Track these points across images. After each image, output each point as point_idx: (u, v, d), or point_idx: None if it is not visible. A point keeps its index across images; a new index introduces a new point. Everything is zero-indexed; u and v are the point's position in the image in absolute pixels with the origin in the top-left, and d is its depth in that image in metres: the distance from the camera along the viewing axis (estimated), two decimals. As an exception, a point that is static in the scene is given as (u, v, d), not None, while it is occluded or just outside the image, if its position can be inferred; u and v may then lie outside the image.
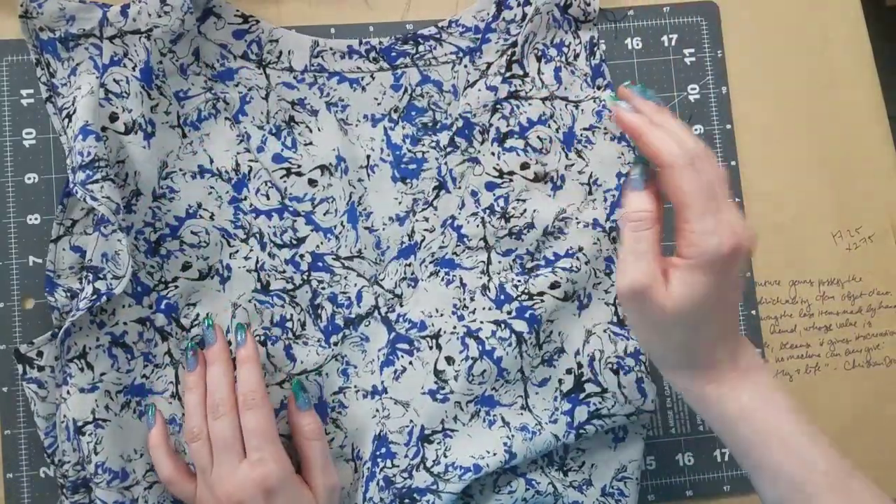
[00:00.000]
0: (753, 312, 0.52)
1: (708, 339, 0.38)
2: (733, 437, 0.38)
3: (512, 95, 0.49)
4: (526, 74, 0.50)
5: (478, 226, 0.48)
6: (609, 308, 0.49)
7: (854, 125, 0.54)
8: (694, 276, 0.36)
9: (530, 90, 0.49)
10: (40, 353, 0.45)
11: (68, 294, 0.46)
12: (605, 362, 0.47)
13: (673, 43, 0.53)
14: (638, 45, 0.53)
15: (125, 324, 0.45)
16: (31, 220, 0.48)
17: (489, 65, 0.50)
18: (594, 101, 0.50)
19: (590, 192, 0.50)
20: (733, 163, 0.53)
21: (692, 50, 0.53)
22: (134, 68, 0.46)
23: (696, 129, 0.53)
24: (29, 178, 0.49)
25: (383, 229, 0.49)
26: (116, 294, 0.43)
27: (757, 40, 0.54)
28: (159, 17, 0.46)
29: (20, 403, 0.47)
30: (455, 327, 0.47)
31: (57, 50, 0.46)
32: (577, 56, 0.51)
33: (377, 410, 0.47)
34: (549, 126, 0.49)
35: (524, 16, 0.50)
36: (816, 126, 0.54)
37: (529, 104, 0.49)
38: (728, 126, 0.53)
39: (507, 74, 0.49)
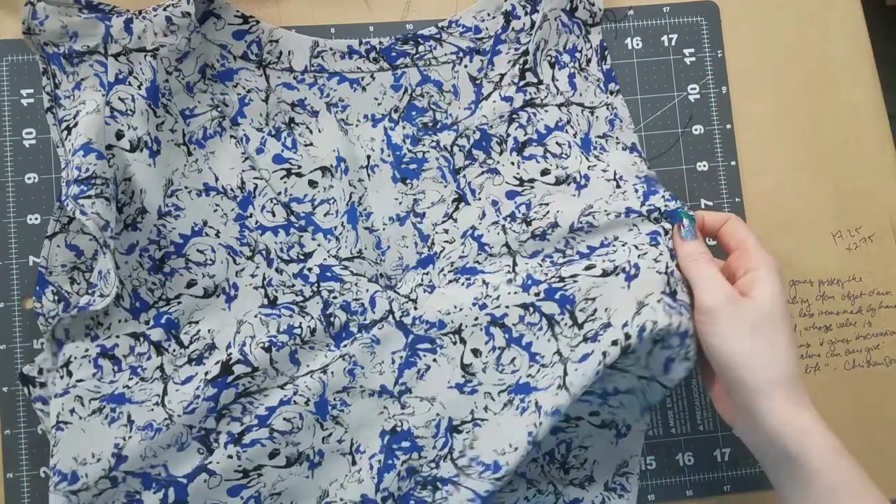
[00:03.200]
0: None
1: (794, 347, 0.42)
2: (796, 470, 0.40)
3: (528, 104, 0.49)
4: (540, 82, 0.50)
5: (498, 233, 0.47)
6: (661, 277, 0.44)
7: (854, 125, 0.54)
8: (772, 276, 0.43)
9: (545, 97, 0.49)
10: (41, 371, 0.45)
11: (56, 297, 0.45)
12: (654, 334, 0.42)
13: (673, 43, 0.53)
14: (638, 45, 0.53)
15: (117, 337, 0.45)
16: (31, 220, 0.48)
17: (502, 76, 0.50)
18: (607, 108, 0.50)
19: (618, 186, 0.48)
20: (733, 163, 0.53)
21: (692, 50, 0.53)
22: (140, 87, 0.46)
23: (696, 129, 0.53)
24: (29, 178, 0.49)
25: (383, 229, 0.49)
26: (92, 311, 0.43)
27: (757, 40, 0.54)
28: (165, 35, 0.46)
29: (20, 403, 0.47)
30: (477, 318, 0.46)
31: (62, 63, 0.46)
32: (589, 61, 0.51)
33: (385, 408, 0.46)
34: (567, 131, 0.49)
35: (532, 24, 0.50)
36: (816, 126, 0.54)
37: (546, 111, 0.49)
38: (728, 126, 0.53)
39: (521, 83, 0.49)
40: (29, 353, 0.47)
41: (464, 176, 0.49)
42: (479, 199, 0.48)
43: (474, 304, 0.46)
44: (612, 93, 0.51)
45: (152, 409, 0.44)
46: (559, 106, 0.49)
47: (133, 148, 0.45)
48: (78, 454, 0.43)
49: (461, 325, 0.46)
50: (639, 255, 0.45)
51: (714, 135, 0.53)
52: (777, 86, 0.54)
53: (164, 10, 0.45)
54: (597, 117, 0.50)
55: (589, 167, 0.49)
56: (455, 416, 0.46)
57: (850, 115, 0.54)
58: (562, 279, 0.46)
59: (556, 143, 0.49)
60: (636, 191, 0.48)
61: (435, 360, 0.47)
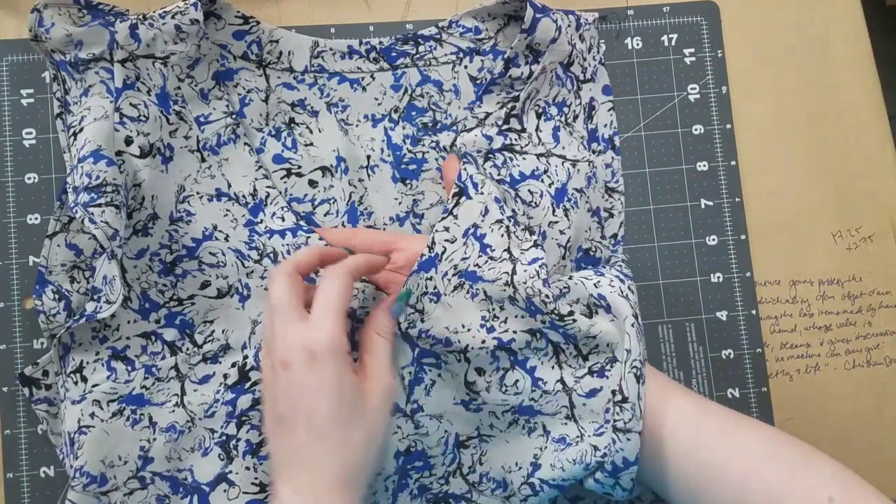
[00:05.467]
0: (753, 312, 0.52)
1: None
2: None
3: (506, 148, 0.48)
4: (523, 130, 0.49)
5: (502, 235, 0.45)
6: (625, 301, 0.44)
7: (854, 125, 0.54)
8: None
9: (526, 145, 0.48)
10: (45, 373, 0.45)
11: (56, 296, 0.45)
12: (629, 366, 0.42)
13: (673, 43, 0.53)
14: (638, 45, 0.53)
15: (128, 338, 0.45)
16: (31, 220, 0.48)
17: (488, 114, 0.49)
18: (588, 165, 0.50)
19: (563, 257, 0.48)
20: (733, 163, 0.53)
21: (692, 50, 0.53)
22: (149, 92, 0.45)
23: (696, 129, 0.53)
24: (29, 178, 0.49)
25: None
26: (99, 318, 0.43)
27: (757, 40, 0.54)
28: (175, 44, 0.46)
29: (20, 403, 0.47)
30: (484, 341, 0.44)
31: (69, 70, 0.46)
32: (576, 118, 0.50)
33: (398, 427, 0.45)
34: (543, 181, 0.48)
35: (530, 73, 0.49)
36: (816, 126, 0.54)
37: (524, 158, 0.48)
38: (728, 126, 0.53)
39: (504, 127, 0.48)
40: (29, 353, 0.47)
41: (465, 169, 0.46)
42: (482, 193, 0.46)
43: (482, 326, 0.44)
44: (594, 152, 0.51)
45: (173, 411, 0.45)
46: (538, 156, 0.48)
47: (144, 154, 0.45)
48: (105, 457, 0.43)
49: (468, 345, 0.44)
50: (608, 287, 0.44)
51: (714, 135, 0.53)
52: (777, 86, 0.54)
53: (173, 17, 0.45)
54: (578, 170, 0.49)
55: (550, 223, 0.48)
56: (462, 433, 0.46)
57: (850, 115, 0.54)
58: (562, 318, 0.43)
59: (529, 190, 0.48)
60: (574, 269, 0.48)
61: (439, 375, 0.45)
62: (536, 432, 0.45)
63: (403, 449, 0.45)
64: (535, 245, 0.44)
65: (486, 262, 0.44)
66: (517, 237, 0.45)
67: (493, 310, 0.44)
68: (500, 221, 0.45)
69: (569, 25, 0.49)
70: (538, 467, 0.44)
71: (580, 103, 0.51)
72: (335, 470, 0.38)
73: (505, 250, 0.44)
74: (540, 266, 0.43)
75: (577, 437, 0.43)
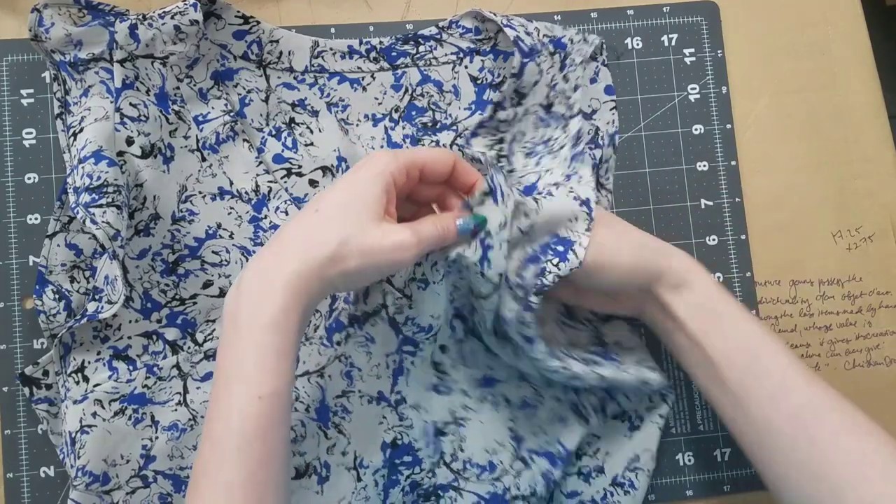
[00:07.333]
0: (753, 312, 0.52)
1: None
2: None
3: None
4: (513, 170, 0.48)
5: (505, 257, 0.42)
6: (556, 303, 0.47)
7: (854, 125, 0.54)
8: None
9: (521, 177, 0.48)
10: (46, 373, 0.45)
11: (56, 296, 0.45)
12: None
13: (673, 43, 0.53)
14: (638, 44, 0.53)
15: (129, 338, 0.45)
16: (31, 220, 0.48)
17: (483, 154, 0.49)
18: (567, 176, 0.49)
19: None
20: (733, 163, 0.53)
21: (692, 50, 0.53)
22: (148, 92, 0.45)
23: (696, 129, 0.53)
24: (29, 178, 0.49)
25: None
26: (100, 318, 0.43)
27: (757, 40, 0.54)
28: (174, 44, 0.46)
29: (20, 403, 0.47)
30: (446, 310, 0.47)
31: (69, 70, 0.46)
32: (562, 147, 0.49)
33: (384, 417, 0.46)
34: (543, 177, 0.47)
35: (514, 116, 0.49)
36: (816, 126, 0.54)
37: (521, 186, 0.47)
38: (728, 126, 0.53)
39: (498, 165, 0.48)
40: (29, 353, 0.47)
41: (496, 175, 0.43)
42: (506, 205, 0.43)
43: (451, 302, 0.46)
44: (575, 172, 0.47)
45: (176, 409, 0.45)
46: (532, 174, 0.48)
47: (145, 154, 0.45)
48: (107, 456, 0.44)
49: (440, 327, 0.47)
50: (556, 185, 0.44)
51: (714, 135, 0.53)
52: (777, 86, 0.54)
53: (172, 18, 0.45)
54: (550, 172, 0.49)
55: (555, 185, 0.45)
56: (438, 420, 0.47)
57: (850, 115, 0.54)
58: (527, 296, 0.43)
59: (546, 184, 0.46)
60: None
61: (413, 362, 0.47)
62: (501, 405, 0.47)
63: (390, 441, 0.46)
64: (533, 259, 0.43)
65: (486, 266, 0.43)
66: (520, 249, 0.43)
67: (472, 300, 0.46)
68: (508, 241, 0.43)
69: (551, 66, 0.49)
70: (521, 440, 0.46)
71: (567, 136, 0.49)
72: (297, 264, 0.36)
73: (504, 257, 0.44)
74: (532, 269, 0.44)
75: (535, 394, 0.47)
